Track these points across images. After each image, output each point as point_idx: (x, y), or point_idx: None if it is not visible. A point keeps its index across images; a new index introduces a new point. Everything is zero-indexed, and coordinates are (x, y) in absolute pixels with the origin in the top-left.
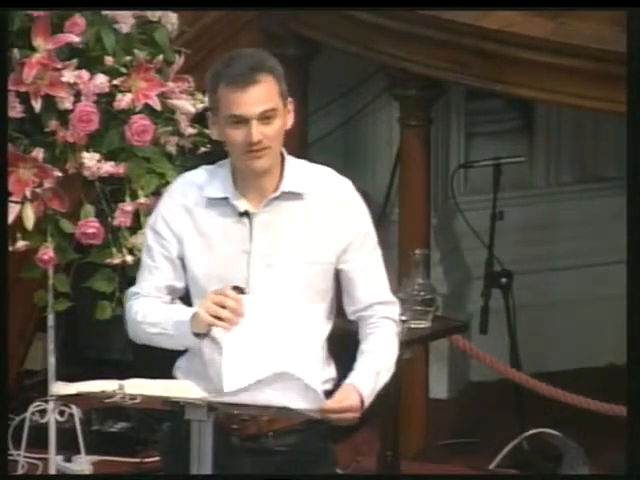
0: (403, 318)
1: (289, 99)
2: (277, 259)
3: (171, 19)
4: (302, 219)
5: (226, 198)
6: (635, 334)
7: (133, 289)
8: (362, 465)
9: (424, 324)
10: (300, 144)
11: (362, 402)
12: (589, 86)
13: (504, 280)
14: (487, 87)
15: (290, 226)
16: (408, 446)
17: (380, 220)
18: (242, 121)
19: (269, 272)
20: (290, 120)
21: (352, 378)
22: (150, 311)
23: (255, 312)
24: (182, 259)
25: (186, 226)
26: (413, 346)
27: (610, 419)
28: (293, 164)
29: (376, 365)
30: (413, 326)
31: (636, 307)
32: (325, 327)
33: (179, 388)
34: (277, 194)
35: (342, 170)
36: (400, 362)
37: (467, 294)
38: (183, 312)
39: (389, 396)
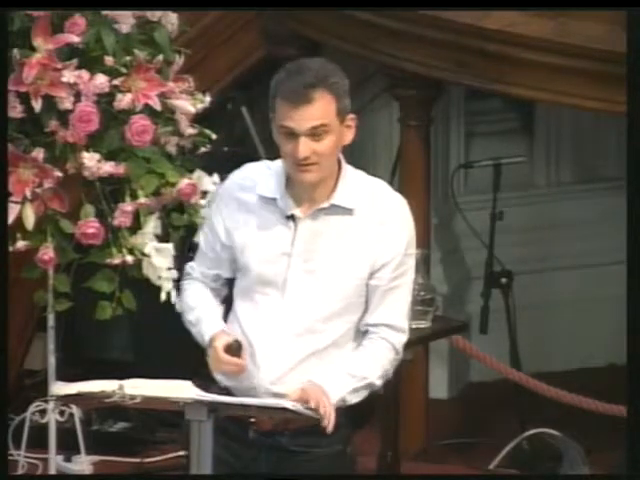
0: None
1: (350, 115)
2: (317, 266)
3: (171, 19)
4: (347, 233)
5: (276, 199)
6: (635, 334)
7: (188, 267)
8: (362, 465)
9: (424, 324)
10: None
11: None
12: (589, 86)
13: (504, 280)
14: (487, 87)
15: (334, 237)
16: (408, 446)
17: None
18: (292, 134)
19: (307, 278)
20: (350, 136)
21: (320, 379)
22: (191, 305)
23: (290, 315)
24: (232, 250)
25: (236, 219)
26: (413, 346)
27: (610, 419)
28: (349, 177)
29: (351, 369)
30: (413, 326)
31: (636, 307)
32: (354, 341)
33: (179, 388)
34: (326, 206)
35: None
36: (400, 362)
37: (467, 294)
38: (209, 327)
39: (389, 396)
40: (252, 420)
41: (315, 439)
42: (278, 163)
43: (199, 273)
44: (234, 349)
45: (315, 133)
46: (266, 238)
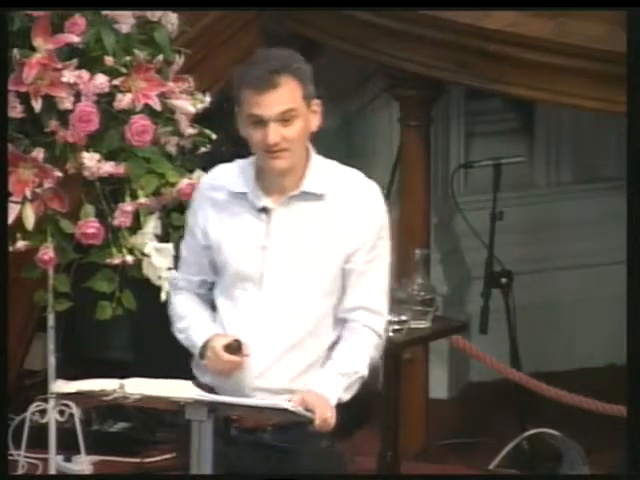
0: (403, 318)
1: (315, 100)
2: (292, 256)
3: (171, 19)
4: (320, 220)
5: (246, 193)
6: (635, 334)
7: (173, 276)
8: (362, 465)
9: (424, 324)
10: None
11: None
12: (589, 86)
13: (504, 280)
14: (487, 87)
15: (307, 225)
16: (408, 446)
17: None
18: (261, 122)
19: (284, 268)
20: (316, 121)
21: (316, 386)
22: (180, 314)
23: (268, 307)
24: (210, 251)
25: (211, 218)
26: (413, 346)
27: (610, 419)
28: (318, 164)
29: (340, 367)
30: (413, 326)
31: (636, 307)
32: (333, 330)
33: (179, 388)
34: (296, 193)
35: None
36: (400, 362)
37: (467, 294)
38: (201, 332)
39: (389, 396)
40: (234, 417)
41: (299, 435)
42: (248, 160)
43: (184, 281)
44: (234, 348)
45: (283, 118)
46: (240, 233)
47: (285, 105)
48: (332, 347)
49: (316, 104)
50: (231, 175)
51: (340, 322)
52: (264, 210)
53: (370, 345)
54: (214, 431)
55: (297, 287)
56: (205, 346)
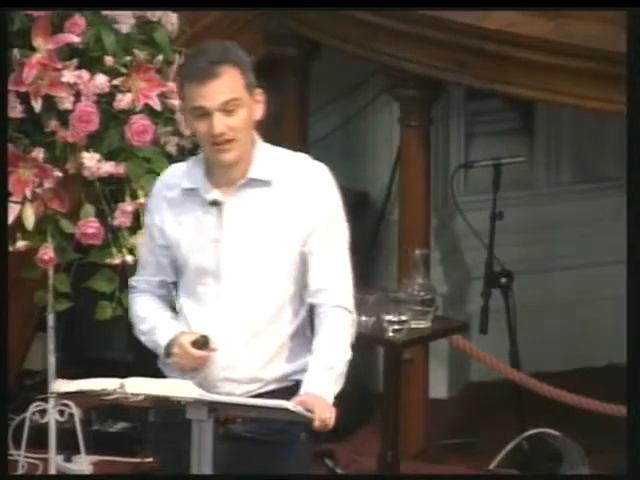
0: (403, 318)
1: (258, 90)
2: (246, 246)
3: (171, 19)
4: (270, 206)
5: (197, 188)
6: (635, 334)
7: (132, 281)
8: (362, 465)
9: (424, 324)
10: (300, 144)
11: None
12: (589, 86)
13: (504, 280)
14: (487, 87)
15: (258, 213)
16: (408, 446)
17: (380, 220)
18: (205, 113)
19: (240, 259)
20: (260, 111)
21: (312, 387)
22: (142, 315)
23: (229, 299)
24: (169, 250)
25: (167, 217)
26: (413, 346)
27: (610, 419)
28: (265, 151)
29: (327, 361)
30: (413, 326)
31: (636, 307)
32: (298, 312)
33: (180, 388)
34: (244, 181)
35: (342, 170)
36: (400, 362)
37: (467, 294)
38: (165, 332)
39: (389, 396)
40: None
41: (267, 427)
42: (199, 156)
43: (144, 283)
44: (201, 344)
45: (227, 108)
46: (195, 229)
47: (228, 94)
48: (297, 333)
49: (259, 93)
50: (182, 172)
51: (304, 306)
52: (215, 203)
53: (345, 325)
54: (183, 428)
55: (255, 276)
56: (171, 344)
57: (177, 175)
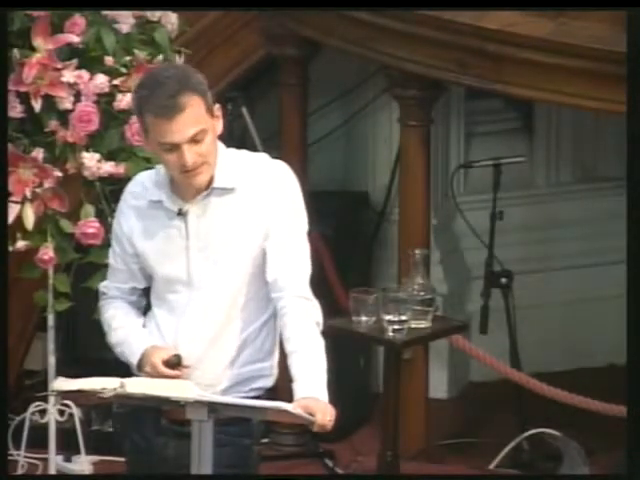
0: (403, 318)
1: (216, 106)
2: (213, 252)
3: (171, 19)
4: (234, 210)
5: (162, 201)
6: (635, 334)
7: (102, 287)
8: (362, 465)
9: (424, 324)
10: (300, 144)
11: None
12: (589, 86)
13: (504, 280)
14: (487, 87)
15: (223, 218)
16: (408, 446)
17: (380, 220)
18: (174, 147)
19: (208, 265)
20: (220, 125)
21: (309, 391)
22: (113, 325)
23: (201, 305)
24: (138, 258)
25: (135, 227)
26: (413, 346)
27: (610, 419)
28: (226, 158)
29: (311, 360)
30: (413, 326)
31: (636, 307)
32: (265, 308)
33: (180, 387)
34: (208, 191)
35: (342, 170)
36: (400, 362)
37: (467, 294)
38: (136, 346)
39: (389, 396)
40: (165, 409)
41: (221, 429)
42: (161, 167)
43: (115, 289)
44: (173, 364)
45: (196, 139)
46: (162, 238)
47: (195, 127)
48: (265, 330)
49: (217, 109)
50: (149, 183)
51: (268, 302)
52: (180, 213)
53: (309, 314)
54: (145, 420)
55: (225, 279)
56: (142, 361)
57: (144, 185)
